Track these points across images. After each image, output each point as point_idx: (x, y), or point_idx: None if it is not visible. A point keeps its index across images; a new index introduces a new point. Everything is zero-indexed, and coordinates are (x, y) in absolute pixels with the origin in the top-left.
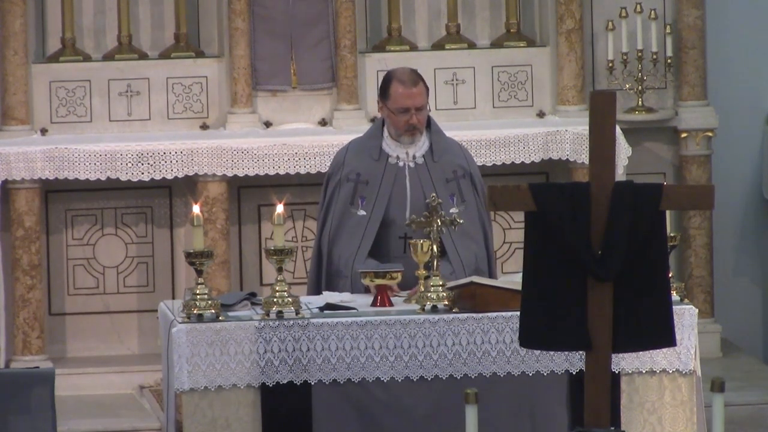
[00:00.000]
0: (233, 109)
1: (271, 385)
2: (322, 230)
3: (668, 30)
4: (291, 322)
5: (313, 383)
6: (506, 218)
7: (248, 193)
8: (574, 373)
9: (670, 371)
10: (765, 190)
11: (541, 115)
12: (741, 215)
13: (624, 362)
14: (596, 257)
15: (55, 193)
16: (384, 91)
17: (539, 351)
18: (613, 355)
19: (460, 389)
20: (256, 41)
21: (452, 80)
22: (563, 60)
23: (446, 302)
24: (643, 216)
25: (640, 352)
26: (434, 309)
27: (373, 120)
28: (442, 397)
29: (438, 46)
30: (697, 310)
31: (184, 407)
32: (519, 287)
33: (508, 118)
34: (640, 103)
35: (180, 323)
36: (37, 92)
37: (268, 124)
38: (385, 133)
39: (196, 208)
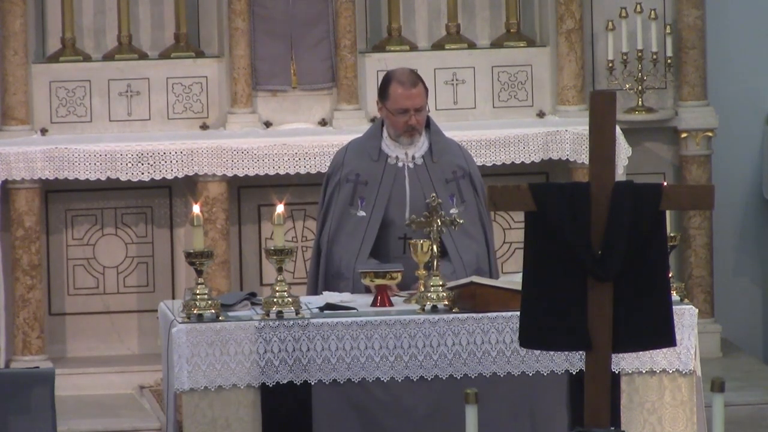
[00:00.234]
0: (233, 109)
1: (271, 385)
2: (321, 230)
3: (668, 30)
4: (291, 322)
5: (313, 383)
6: (506, 218)
7: (248, 193)
8: (574, 373)
9: (670, 371)
10: (765, 190)
11: (541, 115)
12: (741, 215)
13: (624, 362)
14: (596, 257)
15: (55, 193)
16: (383, 92)
17: (539, 351)
18: (613, 355)
19: (460, 389)
20: (256, 41)
21: (452, 80)
22: (563, 60)
23: (446, 302)
24: (643, 216)
25: (640, 352)
26: (434, 309)
27: (373, 120)
28: (442, 397)
29: (438, 46)
30: (697, 310)
31: (184, 407)
32: (519, 287)
33: (508, 118)
34: (640, 103)
35: (180, 323)
36: (37, 92)
37: (268, 124)
38: (385, 134)
39: (196, 208)
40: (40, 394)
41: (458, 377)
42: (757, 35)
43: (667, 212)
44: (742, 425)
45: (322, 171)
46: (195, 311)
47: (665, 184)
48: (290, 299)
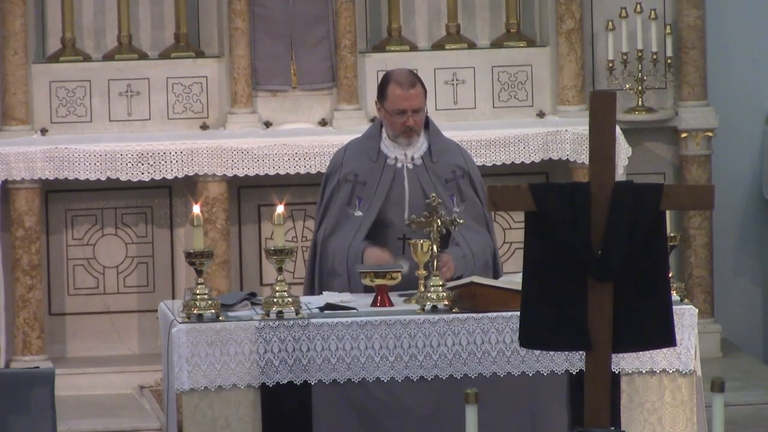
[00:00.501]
0: (233, 109)
1: (271, 385)
2: (318, 229)
3: (668, 30)
4: (291, 322)
5: (313, 383)
6: (506, 218)
7: (248, 193)
8: (574, 373)
9: (670, 371)
10: (765, 190)
11: (541, 115)
12: (741, 215)
13: (624, 362)
14: (596, 257)
15: (55, 193)
16: (381, 93)
17: (539, 351)
18: (613, 355)
19: (460, 389)
20: (256, 41)
21: (452, 80)
22: (563, 60)
23: (446, 302)
24: (643, 216)
25: (640, 352)
26: (434, 309)
27: (373, 120)
28: (442, 397)
29: (438, 46)
30: (697, 310)
31: (184, 407)
32: (519, 287)
33: (508, 118)
34: (640, 103)
35: (180, 323)
36: (37, 92)
37: (268, 124)
38: (384, 135)
39: (196, 208)
40: (40, 394)
41: (458, 377)
42: (757, 35)
43: (667, 212)
44: (742, 425)
45: (322, 171)
46: (195, 311)
47: (665, 184)
48: (290, 299)
